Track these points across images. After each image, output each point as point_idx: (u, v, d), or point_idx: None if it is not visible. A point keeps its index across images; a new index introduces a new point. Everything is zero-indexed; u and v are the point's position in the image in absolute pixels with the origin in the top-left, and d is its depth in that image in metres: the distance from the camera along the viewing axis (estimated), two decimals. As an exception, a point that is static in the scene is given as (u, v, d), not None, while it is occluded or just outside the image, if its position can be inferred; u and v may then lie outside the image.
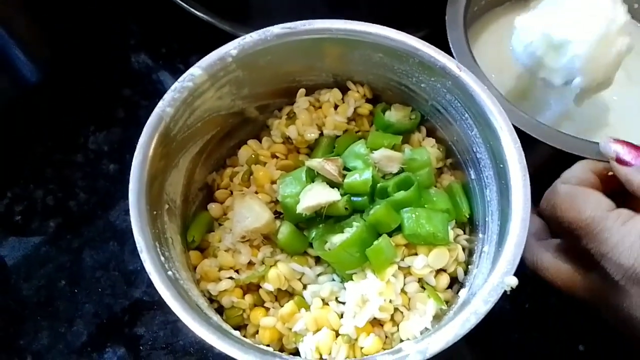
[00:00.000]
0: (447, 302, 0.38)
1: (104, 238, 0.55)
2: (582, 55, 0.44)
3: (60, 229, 0.56)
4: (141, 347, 0.51)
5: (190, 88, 0.38)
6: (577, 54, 0.44)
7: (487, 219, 0.38)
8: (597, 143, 0.45)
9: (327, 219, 0.40)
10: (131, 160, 0.36)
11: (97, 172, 0.59)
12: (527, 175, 0.35)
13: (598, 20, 0.43)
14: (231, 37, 0.40)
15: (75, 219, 0.56)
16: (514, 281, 0.32)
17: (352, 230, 0.38)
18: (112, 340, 0.51)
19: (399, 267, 0.38)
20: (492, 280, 0.32)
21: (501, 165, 0.36)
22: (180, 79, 0.38)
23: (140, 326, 0.52)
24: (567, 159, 0.44)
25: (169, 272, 0.33)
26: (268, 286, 0.39)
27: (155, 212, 0.36)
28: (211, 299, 0.40)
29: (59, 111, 0.62)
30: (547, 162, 0.46)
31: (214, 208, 0.43)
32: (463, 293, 0.36)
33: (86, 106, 0.62)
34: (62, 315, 0.52)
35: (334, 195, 0.38)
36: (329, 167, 0.39)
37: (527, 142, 0.37)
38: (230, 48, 0.39)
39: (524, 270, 0.51)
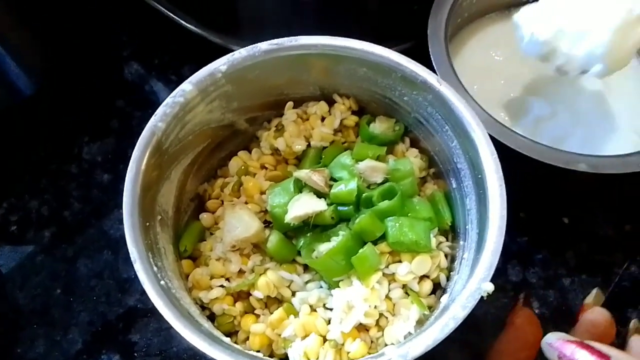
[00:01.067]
0: (430, 308, 0.39)
1: (98, 247, 0.56)
2: (603, 43, 0.44)
3: (55, 239, 0.57)
4: (135, 354, 0.52)
5: (182, 103, 0.40)
6: (599, 43, 0.44)
7: (467, 227, 0.40)
8: (572, 153, 0.47)
9: (315, 227, 0.41)
10: (125, 170, 0.37)
11: (91, 182, 0.60)
12: (503, 185, 0.36)
13: (617, 8, 0.44)
14: (222, 49, 0.42)
15: (69, 228, 0.57)
16: (490, 287, 0.33)
17: (338, 238, 0.39)
18: (107, 347, 0.52)
19: (384, 274, 0.39)
20: (470, 287, 0.33)
21: (479, 176, 0.38)
22: (172, 94, 0.40)
23: (135, 333, 0.53)
24: (544, 169, 0.46)
25: (162, 282, 0.34)
26: (258, 294, 0.40)
27: (148, 224, 0.37)
28: (203, 307, 0.41)
29: (53, 122, 0.63)
30: (525, 171, 0.48)
31: (205, 218, 0.45)
32: (444, 299, 0.38)
33: (80, 117, 0.63)
34: (58, 324, 0.53)
35: (320, 205, 0.40)
36: (316, 177, 0.40)
37: (505, 151, 0.39)
38: (220, 64, 0.41)
39: (507, 274, 0.54)
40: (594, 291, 0.48)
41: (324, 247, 0.39)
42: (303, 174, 0.41)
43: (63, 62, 0.66)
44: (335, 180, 0.42)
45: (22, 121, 0.62)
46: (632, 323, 0.47)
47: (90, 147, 0.62)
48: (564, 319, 0.52)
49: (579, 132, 0.55)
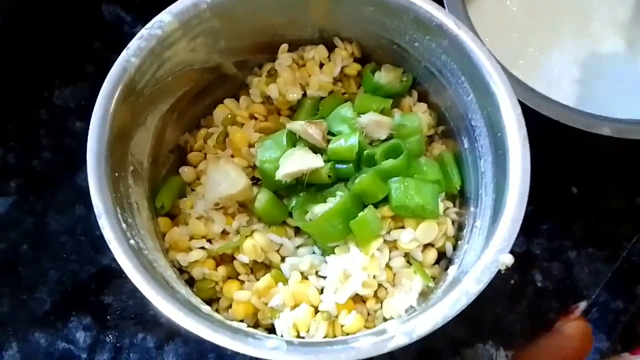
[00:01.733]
0: (433, 279, 0.36)
1: (70, 201, 0.52)
2: None
3: (22, 190, 0.53)
4: (108, 317, 0.49)
5: (159, 36, 0.35)
6: None
7: (480, 192, 0.36)
8: (595, 115, 0.43)
9: (309, 187, 0.37)
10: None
11: (62, 129, 0.55)
12: (527, 146, 0.32)
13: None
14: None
15: (38, 179, 0.53)
16: (509, 259, 0.30)
17: (336, 200, 0.35)
18: (78, 309, 0.49)
19: (385, 241, 0.36)
20: (485, 258, 0.30)
21: (499, 134, 0.33)
22: (148, 25, 0.35)
23: (108, 294, 0.49)
24: (560, 131, 0.42)
25: (131, 241, 0.30)
26: (243, 258, 0.36)
27: (117, 174, 0.33)
28: (181, 270, 0.38)
29: (21, 62, 0.57)
30: (537, 134, 0.44)
31: (186, 172, 0.41)
32: (452, 270, 0.34)
33: (51, 58, 0.58)
34: (25, 282, 0.49)
35: (316, 161, 0.36)
36: (312, 130, 0.36)
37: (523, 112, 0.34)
38: (205, -7, 0.35)
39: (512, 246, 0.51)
40: (582, 304, 0.46)
41: (319, 209, 0.35)
42: (297, 125, 0.37)
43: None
44: (333, 134, 0.38)
45: (-14, 60, 0.57)
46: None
47: (62, 92, 0.57)
48: (567, 293, 0.50)
49: (598, 94, 0.51)
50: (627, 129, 0.42)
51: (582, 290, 0.50)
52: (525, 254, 0.51)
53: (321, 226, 0.35)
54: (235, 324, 0.32)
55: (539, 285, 0.50)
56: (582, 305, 0.44)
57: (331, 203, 0.35)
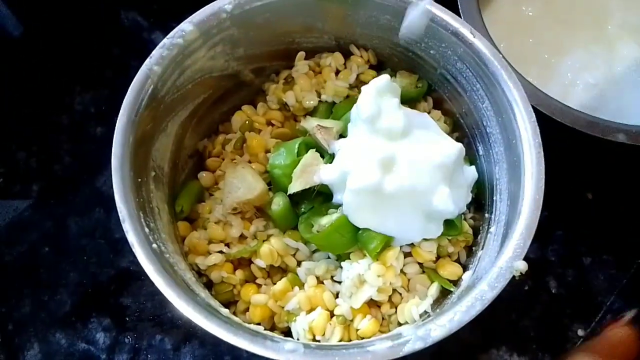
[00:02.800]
0: (454, 283, 0.36)
1: (90, 204, 0.53)
2: None
3: (44, 194, 0.54)
4: (127, 318, 0.49)
5: (181, 45, 0.35)
6: None
7: (494, 198, 0.36)
8: (610, 121, 0.43)
9: (319, 194, 0.37)
10: (119, 123, 0.33)
11: (83, 134, 0.56)
12: (542, 154, 0.32)
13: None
14: (228, -6, 0.37)
15: (59, 183, 0.54)
16: (523, 266, 0.30)
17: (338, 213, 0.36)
18: (97, 310, 0.49)
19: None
20: (499, 264, 0.30)
21: (513, 141, 0.34)
22: (170, 35, 0.35)
23: (127, 296, 0.50)
24: (575, 137, 0.42)
25: (154, 245, 0.31)
26: (260, 262, 0.37)
27: (140, 179, 0.34)
28: (200, 273, 0.38)
29: (44, 69, 0.59)
30: (552, 140, 0.44)
31: (204, 177, 0.41)
32: (467, 276, 0.35)
33: (73, 65, 0.59)
34: (46, 283, 0.50)
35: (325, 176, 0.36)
36: (320, 136, 0.37)
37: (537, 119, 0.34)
38: (225, 3, 0.36)
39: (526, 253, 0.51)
40: (632, 312, 0.45)
41: (325, 220, 0.36)
42: (310, 125, 0.38)
43: (56, 5, 0.61)
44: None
45: (9, 66, 0.58)
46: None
47: (83, 98, 0.58)
48: (582, 299, 0.50)
49: (613, 101, 0.51)
50: (643, 136, 0.42)
51: (597, 297, 0.50)
52: (540, 260, 0.51)
53: (329, 237, 0.35)
54: (252, 326, 0.33)
55: (553, 291, 0.50)
56: (631, 313, 0.44)
57: (339, 213, 0.35)
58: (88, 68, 0.59)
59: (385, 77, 0.36)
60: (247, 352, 0.29)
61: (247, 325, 0.32)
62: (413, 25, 0.37)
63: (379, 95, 0.35)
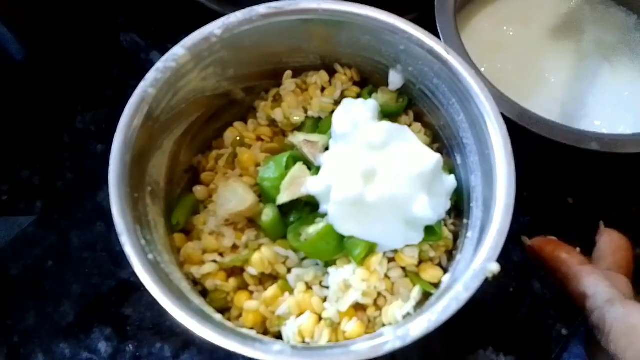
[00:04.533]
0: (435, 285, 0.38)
1: (91, 219, 0.55)
2: None
3: (47, 209, 0.56)
4: (128, 328, 0.51)
5: (174, 68, 0.38)
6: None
7: (471, 205, 0.38)
8: (583, 131, 0.45)
9: (307, 205, 0.39)
10: (119, 141, 0.35)
11: (84, 152, 0.58)
12: (513, 162, 0.34)
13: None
14: (221, 16, 0.39)
15: (62, 199, 0.56)
16: (496, 268, 0.32)
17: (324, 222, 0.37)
18: (99, 321, 0.51)
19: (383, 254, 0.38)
20: (474, 267, 0.32)
21: (486, 152, 0.36)
22: (163, 58, 0.37)
23: (128, 307, 0.52)
24: (552, 147, 0.45)
25: (149, 256, 0.33)
26: (252, 270, 0.38)
27: (136, 195, 0.35)
28: (195, 282, 0.40)
29: (45, 90, 0.61)
30: (531, 149, 0.46)
31: (199, 190, 0.43)
32: (446, 278, 0.36)
33: (73, 85, 0.61)
34: (49, 296, 0.52)
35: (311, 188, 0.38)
36: (307, 150, 0.39)
37: (511, 127, 0.37)
38: (215, 27, 0.39)
39: (509, 254, 0.53)
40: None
41: (312, 229, 0.38)
42: (297, 139, 0.40)
43: (56, 28, 0.64)
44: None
45: (13, 88, 0.60)
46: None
47: (84, 116, 0.60)
48: (566, 301, 0.51)
49: (589, 112, 0.53)
50: (614, 144, 0.44)
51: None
52: (524, 263, 0.53)
53: (316, 244, 0.37)
54: (245, 331, 0.35)
55: (537, 293, 0.52)
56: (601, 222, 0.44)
57: (324, 222, 0.37)
58: (89, 88, 0.61)
59: (356, 100, 0.38)
60: (243, 357, 0.31)
61: (239, 330, 0.34)
62: (395, 82, 0.42)
63: (350, 112, 0.37)
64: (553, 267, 0.37)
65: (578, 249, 0.38)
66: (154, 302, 0.51)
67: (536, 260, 0.38)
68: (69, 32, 0.64)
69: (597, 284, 0.34)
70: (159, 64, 0.37)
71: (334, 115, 0.39)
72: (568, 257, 0.36)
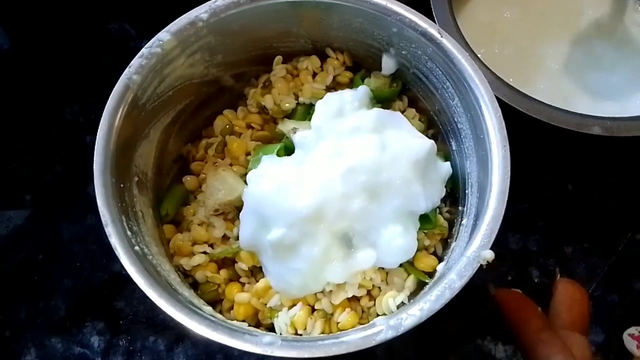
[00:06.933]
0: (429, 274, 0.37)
1: (82, 211, 0.54)
2: None
3: (37, 203, 0.55)
4: (121, 321, 0.50)
5: (159, 54, 0.37)
6: None
7: (466, 192, 0.37)
8: (584, 115, 0.44)
9: None
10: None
11: (73, 143, 0.57)
12: (507, 147, 0.33)
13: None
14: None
15: (52, 192, 0.55)
16: (490, 255, 0.31)
17: None
18: (91, 315, 0.51)
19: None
20: (467, 254, 0.31)
21: (481, 136, 0.35)
22: (148, 44, 0.36)
23: (120, 300, 0.51)
24: (552, 132, 0.44)
25: (136, 247, 0.32)
26: (242, 265, 0.38)
27: (122, 185, 0.35)
28: (186, 274, 0.39)
29: (33, 81, 0.60)
30: (530, 134, 0.45)
31: (189, 180, 0.42)
32: (440, 267, 0.36)
33: (62, 76, 0.60)
34: (41, 290, 0.51)
35: None
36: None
37: (510, 113, 0.36)
38: (201, 12, 0.37)
39: (506, 242, 0.52)
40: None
41: None
42: (287, 127, 0.38)
43: (43, 18, 0.62)
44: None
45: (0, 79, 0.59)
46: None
47: (73, 108, 0.59)
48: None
49: (589, 93, 0.52)
50: (617, 127, 0.43)
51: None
52: (522, 251, 0.52)
53: None
54: (236, 323, 0.34)
55: (535, 280, 0.51)
56: (557, 270, 0.45)
57: None
58: (77, 78, 0.60)
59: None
60: (238, 350, 0.30)
61: (229, 322, 0.33)
62: (388, 67, 0.41)
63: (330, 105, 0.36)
64: (513, 326, 0.36)
65: (539, 309, 0.38)
66: (146, 295, 0.51)
67: (498, 310, 0.38)
68: (56, 21, 0.62)
69: (552, 356, 0.34)
70: (144, 50, 0.36)
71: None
72: (527, 320, 0.36)
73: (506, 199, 0.32)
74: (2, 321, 0.51)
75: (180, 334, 0.50)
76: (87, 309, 0.51)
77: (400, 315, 0.30)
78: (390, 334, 0.29)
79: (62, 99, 0.59)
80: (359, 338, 0.29)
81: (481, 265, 0.31)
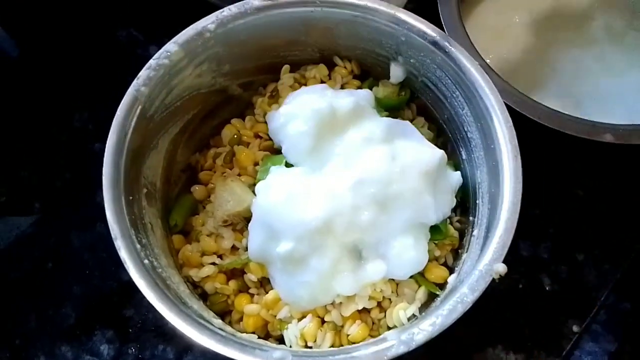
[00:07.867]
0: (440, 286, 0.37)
1: (91, 219, 0.54)
2: None
3: (45, 210, 0.55)
4: (130, 330, 0.50)
5: (167, 65, 0.36)
6: None
7: (477, 202, 0.37)
8: (596, 122, 0.44)
9: None
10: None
11: (82, 151, 0.57)
12: (519, 157, 0.33)
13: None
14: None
15: (61, 199, 0.55)
16: (502, 268, 0.30)
17: None
18: (101, 323, 0.50)
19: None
20: (480, 267, 0.31)
21: (492, 146, 0.34)
22: (156, 56, 0.36)
23: (129, 308, 0.51)
24: (563, 139, 0.43)
25: (145, 261, 0.32)
26: (252, 276, 0.38)
27: (131, 197, 0.35)
28: (195, 285, 0.39)
29: (42, 88, 0.60)
30: (539, 141, 0.44)
31: (197, 190, 0.42)
32: (452, 279, 0.35)
33: (70, 83, 0.60)
34: (50, 298, 0.51)
35: None
36: None
37: (520, 120, 0.35)
38: (208, 22, 0.37)
39: (517, 249, 0.51)
40: None
41: None
42: None
43: (52, 25, 0.63)
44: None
45: (8, 86, 0.59)
46: None
47: (81, 115, 0.59)
48: (576, 296, 0.50)
49: (600, 101, 0.51)
50: (628, 135, 0.43)
51: (591, 292, 0.50)
52: (533, 258, 0.51)
53: None
54: (245, 336, 0.34)
55: (547, 288, 0.50)
56: None
57: None
58: (85, 85, 0.60)
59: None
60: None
61: (239, 335, 0.33)
62: (396, 76, 0.41)
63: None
64: None
65: None
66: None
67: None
68: (64, 29, 0.62)
69: None
70: (152, 62, 0.36)
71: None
72: None
73: (518, 210, 0.32)
74: (12, 330, 0.51)
75: (189, 343, 0.49)
76: (97, 317, 0.51)
77: (412, 329, 0.29)
78: (402, 349, 0.29)
79: (70, 106, 0.59)
80: (370, 353, 0.29)
81: (493, 279, 0.30)
